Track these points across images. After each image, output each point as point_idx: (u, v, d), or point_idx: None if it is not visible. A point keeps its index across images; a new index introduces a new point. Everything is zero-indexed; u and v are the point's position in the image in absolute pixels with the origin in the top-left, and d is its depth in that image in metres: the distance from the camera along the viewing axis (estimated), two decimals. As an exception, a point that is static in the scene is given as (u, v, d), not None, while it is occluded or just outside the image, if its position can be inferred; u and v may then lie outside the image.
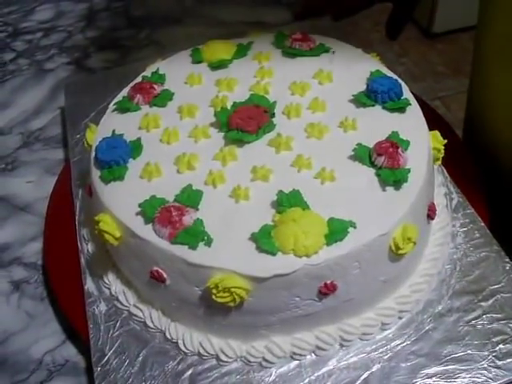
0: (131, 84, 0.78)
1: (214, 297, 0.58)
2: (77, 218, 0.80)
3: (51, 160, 0.95)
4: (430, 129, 0.70)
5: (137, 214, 0.63)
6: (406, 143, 0.66)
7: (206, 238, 0.60)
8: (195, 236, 0.60)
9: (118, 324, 0.69)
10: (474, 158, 0.85)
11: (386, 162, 0.63)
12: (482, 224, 0.74)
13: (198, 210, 0.62)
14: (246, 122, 0.68)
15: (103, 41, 1.19)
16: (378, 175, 0.64)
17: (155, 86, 0.77)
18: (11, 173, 0.94)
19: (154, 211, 0.61)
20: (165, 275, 0.62)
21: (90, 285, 0.72)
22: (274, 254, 0.58)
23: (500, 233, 0.74)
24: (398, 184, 0.63)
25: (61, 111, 1.03)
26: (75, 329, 0.71)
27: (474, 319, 0.66)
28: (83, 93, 0.98)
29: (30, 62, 1.15)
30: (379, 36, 2.43)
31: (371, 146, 0.66)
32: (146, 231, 0.61)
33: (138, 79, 0.79)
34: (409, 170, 0.63)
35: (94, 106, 0.94)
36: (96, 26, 1.23)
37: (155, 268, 0.62)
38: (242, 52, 0.81)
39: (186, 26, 1.20)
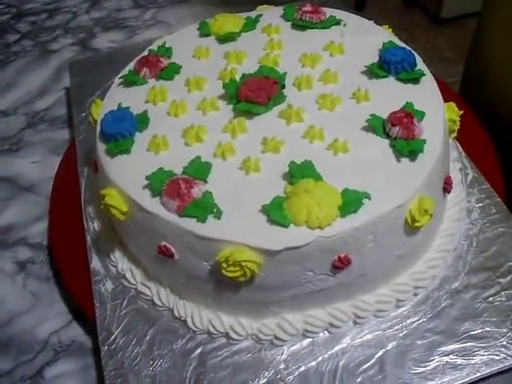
0: (137, 58, 0.77)
1: (223, 271, 0.56)
2: (82, 196, 0.78)
3: (56, 140, 0.94)
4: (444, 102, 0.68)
5: (144, 187, 0.61)
6: (421, 114, 0.64)
7: (215, 210, 0.58)
8: (204, 208, 0.58)
9: (124, 302, 0.67)
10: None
11: (400, 132, 0.61)
12: (498, 199, 0.73)
13: (206, 182, 0.60)
14: (255, 93, 0.66)
15: (108, 21, 1.17)
16: (392, 146, 0.62)
17: (162, 60, 0.75)
18: (16, 153, 0.93)
19: (162, 184, 0.59)
20: (173, 250, 0.60)
21: (95, 263, 0.71)
22: (285, 226, 0.56)
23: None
24: (413, 155, 0.61)
25: (65, 92, 1.02)
26: (81, 308, 0.69)
27: (491, 296, 0.65)
28: (88, 71, 0.97)
29: (34, 43, 1.13)
30: (386, 22, 2.40)
31: (385, 116, 0.64)
32: (154, 204, 0.60)
33: (145, 53, 0.77)
34: (424, 141, 0.61)
35: (99, 84, 0.92)
36: (101, 6, 1.21)
37: (163, 243, 0.60)
38: (250, 25, 0.79)
39: (192, 6, 1.19)
